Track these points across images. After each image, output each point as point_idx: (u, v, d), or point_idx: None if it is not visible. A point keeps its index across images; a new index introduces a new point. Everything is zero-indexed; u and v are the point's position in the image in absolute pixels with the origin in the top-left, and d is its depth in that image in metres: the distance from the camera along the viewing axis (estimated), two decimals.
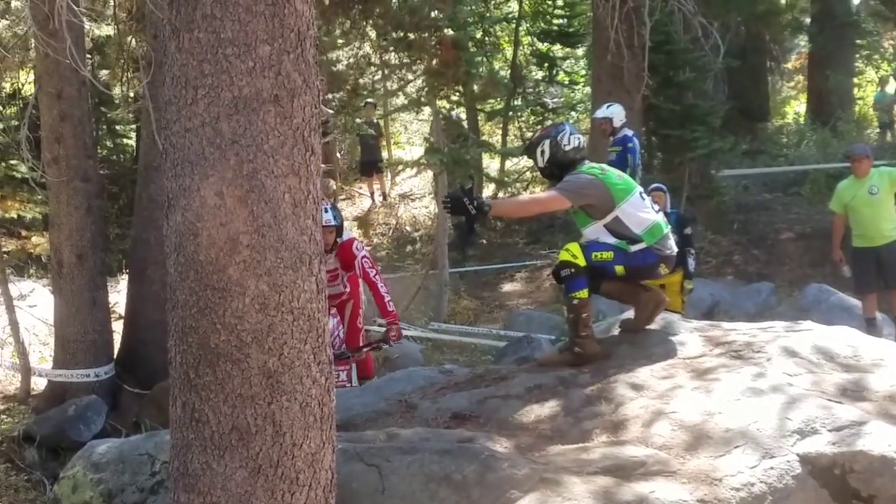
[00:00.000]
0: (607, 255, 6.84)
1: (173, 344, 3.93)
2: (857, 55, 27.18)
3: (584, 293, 6.82)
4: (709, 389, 5.73)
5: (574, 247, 6.85)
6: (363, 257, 9.12)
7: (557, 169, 7.09)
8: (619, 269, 6.88)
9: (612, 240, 6.89)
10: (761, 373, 5.90)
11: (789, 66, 32.66)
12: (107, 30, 17.68)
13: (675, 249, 7.17)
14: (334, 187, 22.88)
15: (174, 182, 3.83)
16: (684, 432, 5.30)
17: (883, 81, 26.86)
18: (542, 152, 7.12)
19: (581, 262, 6.78)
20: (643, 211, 7.01)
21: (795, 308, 13.35)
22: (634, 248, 6.89)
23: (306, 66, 3.86)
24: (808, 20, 25.85)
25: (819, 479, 4.94)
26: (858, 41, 25.86)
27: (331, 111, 19.05)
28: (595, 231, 6.94)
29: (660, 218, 7.11)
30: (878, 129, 25.51)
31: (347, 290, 9.49)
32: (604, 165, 7.47)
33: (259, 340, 3.78)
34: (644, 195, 7.17)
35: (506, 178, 22.77)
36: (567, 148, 7.09)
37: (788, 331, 6.80)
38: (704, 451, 5.12)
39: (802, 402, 5.42)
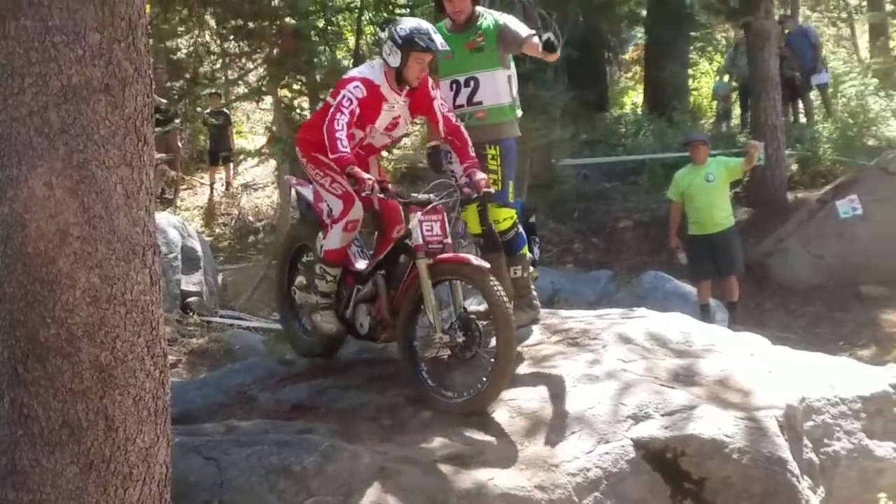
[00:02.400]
0: (511, 186, 6.95)
1: (1, 338, 3.83)
2: (692, 47, 27.78)
3: (526, 248, 7.00)
4: (546, 376, 5.83)
5: (503, 212, 6.72)
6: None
7: None
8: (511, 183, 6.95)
9: (507, 98, 7.23)
10: (597, 359, 6.02)
11: (627, 57, 33.18)
12: None
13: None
14: (173, 175, 22.50)
15: (1, 172, 3.73)
16: (522, 419, 5.38)
17: (721, 71, 27.51)
18: None
19: (514, 215, 6.85)
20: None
21: (633, 295, 13.59)
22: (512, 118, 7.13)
23: (138, 54, 3.80)
24: (643, 12, 26.29)
25: (652, 462, 5.07)
26: (692, 33, 26.43)
27: (164, 100, 18.73)
28: (498, 78, 7.26)
29: None
30: (712, 119, 26.10)
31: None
32: None
33: (90, 334, 3.71)
34: None
35: None
36: None
37: (623, 318, 6.94)
38: (542, 437, 5.20)
39: (636, 387, 5.56)
